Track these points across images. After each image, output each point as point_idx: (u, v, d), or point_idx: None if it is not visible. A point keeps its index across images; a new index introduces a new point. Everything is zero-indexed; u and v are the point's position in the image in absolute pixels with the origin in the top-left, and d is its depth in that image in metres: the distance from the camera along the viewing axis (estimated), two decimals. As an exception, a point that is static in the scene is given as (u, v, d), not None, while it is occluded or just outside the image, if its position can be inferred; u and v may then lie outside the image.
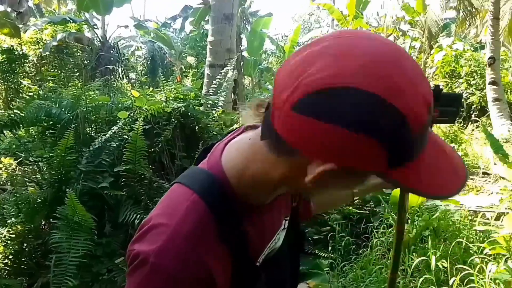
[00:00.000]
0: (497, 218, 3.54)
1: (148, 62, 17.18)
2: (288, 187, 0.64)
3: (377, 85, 0.47)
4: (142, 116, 3.20)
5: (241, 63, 12.94)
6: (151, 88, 4.51)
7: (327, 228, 3.77)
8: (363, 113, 0.47)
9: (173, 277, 0.56)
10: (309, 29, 34.61)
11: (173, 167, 3.60)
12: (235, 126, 4.86)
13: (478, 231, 2.99)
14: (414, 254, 2.99)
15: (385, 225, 3.57)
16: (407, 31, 15.15)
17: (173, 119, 3.49)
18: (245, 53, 13.83)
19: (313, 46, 0.53)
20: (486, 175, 5.96)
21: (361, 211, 3.88)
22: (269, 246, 0.73)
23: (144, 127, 3.19)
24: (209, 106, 4.07)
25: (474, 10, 9.77)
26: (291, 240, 0.80)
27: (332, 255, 3.37)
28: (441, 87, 0.92)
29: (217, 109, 3.99)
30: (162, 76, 4.69)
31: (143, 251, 0.57)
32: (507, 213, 3.69)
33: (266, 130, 0.57)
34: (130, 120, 3.36)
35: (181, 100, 3.63)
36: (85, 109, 3.73)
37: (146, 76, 17.00)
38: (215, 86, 4.07)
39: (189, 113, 3.64)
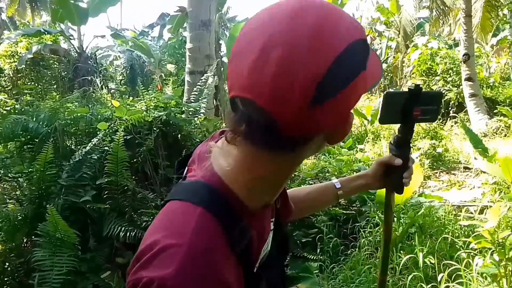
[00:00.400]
0: (481, 211, 3.61)
1: (127, 71, 16.99)
2: (286, 181, 0.66)
3: (354, 34, 0.56)
4: (123, 126, 3.15)
5: (221, 69, 12.92)
6: (131, 98, 4.44)
7: (315, 230, 3.77)
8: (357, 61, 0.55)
9: None
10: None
11: (157, 177, 3.55)
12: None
13: (463, 226, 3.04)
14: (401, 252, 3.01)
15: (371, 224, 3.59)
16: (383, 31, 15.42)
17: (154, 128, 3.44)
18: (225, 59, 13.81)
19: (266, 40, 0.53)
20: (467, 170, 6.08)
21: (348, 212, 3.90)
22: (263, 249, 0.72)
23: (125, 137, 3.13)
24: (190, 113, 4.03)
25: (446, 8, 10.01)
26: (277, 241, 0.79)
27: (321, 257, 3.38)
28: (420, 86, 0.93)
29: (199, 116, 3.95)
30: (142, 85, 4.64)
31: (158, 277, 0.52)
32: (490, 206, 3.76)
33: (259, 134, 0.56)
34: (111, 131, 3.30)
35: (162, 109, 3.59)
36: (63, 121, 3.64)
37: (125, 86, 16.85)
38: (196, 93, 4.04)
39: (171, 122, 3.60)
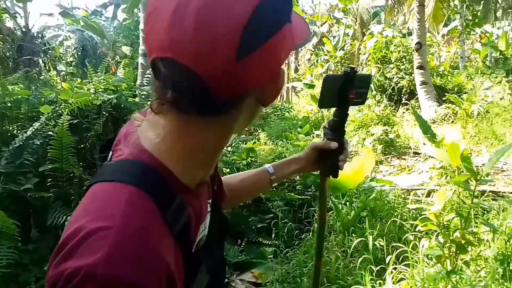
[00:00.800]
0: (428, 195, 3.77)
1: (79, 53, 16.19)
2: (220, 152, 0.63)
3: None
4: (67, 110, 2.96)
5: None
6: (79, 80, 4.19)
7: (270, 216, 3.79)
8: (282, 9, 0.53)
9: (135, 284, 0.46)
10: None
11: (107, 163, 3.39)
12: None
13: (411, 209, 3.15)
14: (353, 235, 3.08)
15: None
16: (341, 18, 15.64)
17: (104, 112, 3.27)
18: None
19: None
20: (416, 155, 6.34)
21: (303, 196, 3.94)
22: (200, 232, 0.67)
23: (71, 121, 2.95)
24: (143, 97, 3.88)
25: (401, -2, 10.27)
26: (216, 225, 0.75)
27: (276, 242, 3.39)
28: (355, 68, 0.91)
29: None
30: (93, 67, 4.38)
31: (85, 265, 0.45)
32: (437, 190, 3.93)
33: (186, 98, 0.52)
34: (55, 115, 3.10)
35: (112, 92, 3.41)
36: (3, 104, 3.38)
37: (77, 67, 16.06)
38: (150, 75, 3.88)
39: (122, 105, 3.44)
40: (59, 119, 2.87)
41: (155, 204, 0.52)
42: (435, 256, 2.15)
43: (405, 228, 2.90)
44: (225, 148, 0.62)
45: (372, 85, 10.73)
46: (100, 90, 3.43)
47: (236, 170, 4.12)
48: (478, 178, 2.07)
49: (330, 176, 1.03)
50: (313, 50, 17.65)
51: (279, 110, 12.79)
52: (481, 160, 5.84)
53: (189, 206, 0.57)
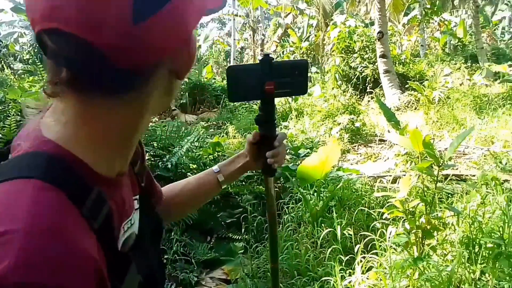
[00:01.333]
0: (394, 181, 3.81)
1: (35, 50, 15.51)
2: (137, 136, 0.56)
3: None
4: (14, 110, 2.77)
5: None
6: (31, 78, 3.93)
7: (240, 210, 3.73)
8: None
9: (62, 287, 0.39)
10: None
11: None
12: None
13: (378, 197, 3.16)
14: (322, 225, 3.07)
15: (294, 201, 3.63)
16: (304, 9, 15.68)
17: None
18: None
19: None
20: (382, 142, 6.44)
21: (271, 189, 3.88)
22: (123, 227, 0.59)
23: (20, 122, 2.76)
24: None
25: (362, -12, 10.38)
26: (149, 225, 0.69)
27: (246, 237, 3.34)
28: (270, 56, 0.83)
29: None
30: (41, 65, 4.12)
31: None
32: (403, 176, 3.99)
33: (84, 74, 0.46)
34: (2, 116, 2.90)
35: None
36: None
37: (34, 65, 15.39)
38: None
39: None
40: (7, 120, 2.68)
41: (66, 197, 0.45)
42: (402, 243, 2.16)
43: (372, 216, 2.91)
44: (142, 128, 0.55)
45: (337, 75, 10.83)
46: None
47: (203, 165, 4.03)
48: (441, 163, 2.08)
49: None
50: (278, 41, 17.64)
51: (247, 103, 12.75)
52: (443, 145, 6.01)
53: (109, 198, 0.51)
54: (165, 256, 2.91)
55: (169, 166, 3.23)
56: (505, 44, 18.65)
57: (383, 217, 2.66)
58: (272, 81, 0.81)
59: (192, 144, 3.77)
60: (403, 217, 2.41)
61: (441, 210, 2.76)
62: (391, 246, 2.36)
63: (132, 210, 0.64)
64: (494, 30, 21.34)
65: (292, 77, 0.85)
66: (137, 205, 0.67)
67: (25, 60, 15.77)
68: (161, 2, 0.44)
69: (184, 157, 3.55)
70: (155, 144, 3.79)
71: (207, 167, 4.29)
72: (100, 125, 0.50)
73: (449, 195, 3.51)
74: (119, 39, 0.43)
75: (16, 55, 16.25)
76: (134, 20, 0.42)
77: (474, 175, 4.08)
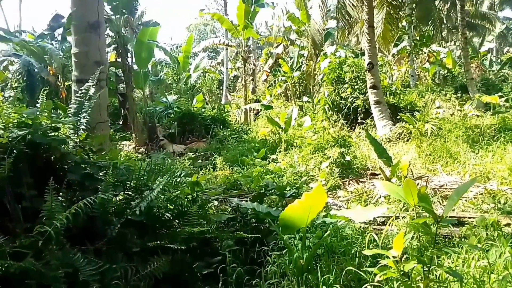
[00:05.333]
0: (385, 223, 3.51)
1: (25, 78, 15.35)
2: None
3: None
4: None
5: (130, 76, 12.08)
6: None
7: (218, 259, 3.37)
8: None
9: None
10: (206, 39, 34.56)
11: (20, 211, 2.88)
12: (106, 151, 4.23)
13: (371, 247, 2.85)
14: (308, 280, 2.73)
15: (278, 248, 3.30)
16: (295, 40, 15.73)
17: (15, 151, 2.79)
18: (135, 66, 12.96)
19: None
20: (374, 176, 6.17)
21: (253, 235, 3.53)
22: None
23: None
24: (71, 129, 3.41)
25: (352, 19, 10.37)
26: None
27: (224, 292, 2.99)
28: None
29: (79, 133, 3.34)
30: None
31: None
32: (397, 217, 3.69)
33: None
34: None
35: (24, 127, 2.93)
36: None
37: (23, 93, 15.19)
38: (75, 106, 3.43)
39: (38, 142, 2.96)
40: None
41: None
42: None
43: (364, 268, 2.57)
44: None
45: (326, 107, 10.69)
46: (10, 125, 2.93)
47: (180, 207, 3.70)
48: (439, 219, 1.80)
49: None
50: (269, 71, 17.63)
51: (237, 133, 12.50)
52: (437, 180, 5.76)
53: None
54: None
55: (138, 211, 2.91)
56: (494, 75, 18.83)
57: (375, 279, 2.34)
58: None
59: (167, 184, 3.45)
60: (397, 278, 2.10)
61: (439, 262, 2.45)
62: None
63: None
64: (483, 60, 21.63)
65: None
66: None
67: (14, 88, 15.61)
68: None
69: (156, 200, 3.23)
70: (128, 184, 3.47)
71: (185, 208, 3.97)
72: None
73: (446, 241, 3.22)
74: None
75: (7, 82, 16.07)
76: None
77: (471, 217, 3.79)
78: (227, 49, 20.59)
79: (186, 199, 3.91)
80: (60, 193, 2.86)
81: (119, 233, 2.95)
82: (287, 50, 18.24)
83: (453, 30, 19.83)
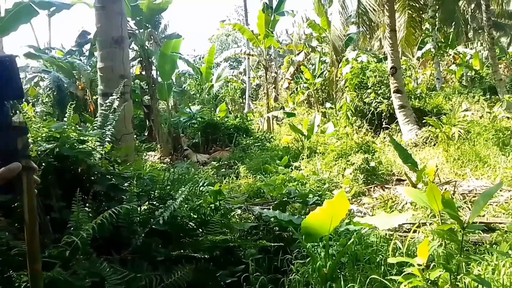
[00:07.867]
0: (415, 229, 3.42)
1: (55, 93, 15.97)
2: None
3: None
4: None
5: (154, 88, 12.34)
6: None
7: (242, 267, 3.37)
8: None
9: None
10: (228, 49, 34.96)
11: (49, 222, 2.97)
12: (130, 162, 4.32)
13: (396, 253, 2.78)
14: (332, 289, 2.69)
15: (302, 256, 3.27)
16: (316, 47, 15.70)
17: (43, 164, 2.89)
18: (159, 78, 13.24)
19: None
20: (400, 183, 6.05)
21: (277, 244, 3.51)
22: None
23: (-1, 178, 2.55)
24: (98, 141, 3.51)
25: (373, 24, 10.27)
26: None
27: (248, 301, 2.98)
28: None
29: (104, 145, 3.44)
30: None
31: None
32: (423, 223, 3.60)
33: None
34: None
35: (52, 140, 3.04)
36: None
37: (53, 108, 15.78)
38: (100, 118, 3.53)
39: (66, 154, 3.06)
40: None
41: None
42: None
43: (389, 279, 2.52)
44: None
45: (349, 113, 10.59)
46: (39, 139, 3.05)
47: (203, 216, 3.73)
48: (465, 225, 1.75)
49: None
50: (291, 78, 17.64)
51: (260, 141, 12.52)
52: (467, 185, 5.58)
53: None
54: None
55: (161, 221, 2.95)
56: (525, 75, 18.17)
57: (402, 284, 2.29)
58: None
59: (190, 194, 3.49)
60: (423, 287, 2.04)
61: (468, 269, 2.37)
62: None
63: None
64: (511, 61, 20.94)
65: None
66: None
67: (45, 103, 16.26)
68: None
69: (179, 209, 3.28)
70: (152, 194, 3.53)
71: (208, 217, 3.99)
72: None
73: (476, 248, 3.11)
74: None
75: (38, 97, 16.75)
76: None
77: (502, 223, 3.66)
78: (248, 58, 20.75)
79: (209, 208, 3.94)
80: (87, 204, 2.94)
81: (144, 243, 3.00)
82: (308, 57, 18.21)
83: (479, 31, 19.30)
